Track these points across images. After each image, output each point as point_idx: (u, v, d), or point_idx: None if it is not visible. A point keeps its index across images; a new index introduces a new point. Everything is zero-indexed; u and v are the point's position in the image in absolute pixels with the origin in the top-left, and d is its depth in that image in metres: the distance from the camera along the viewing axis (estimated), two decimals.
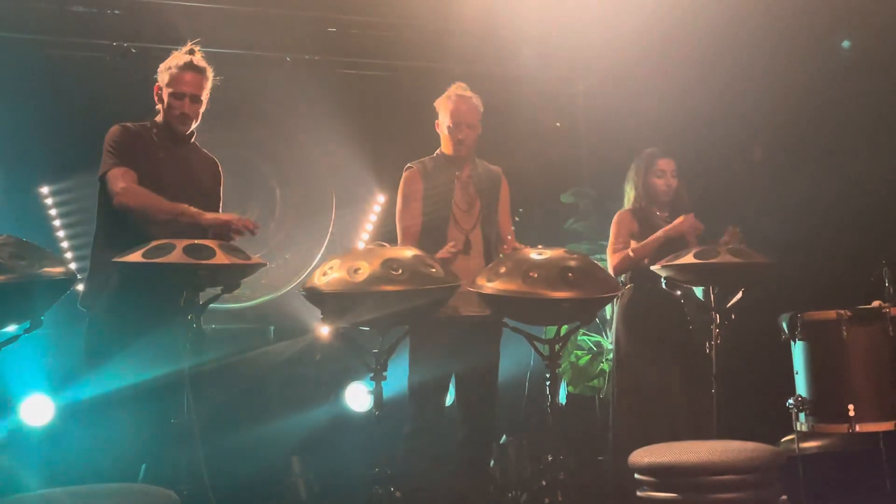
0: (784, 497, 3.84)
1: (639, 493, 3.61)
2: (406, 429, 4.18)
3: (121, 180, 3.74)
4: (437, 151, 4.42)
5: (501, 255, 4.38)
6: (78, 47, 5.70)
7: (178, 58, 3.93)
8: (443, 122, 4.35)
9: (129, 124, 3.90)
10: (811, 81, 5.39)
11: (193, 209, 3.74)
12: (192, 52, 3.96)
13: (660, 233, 4.53)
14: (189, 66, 3.91)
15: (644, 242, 4.56)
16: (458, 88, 4.35)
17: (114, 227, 3.80)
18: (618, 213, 4.77)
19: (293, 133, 6.31)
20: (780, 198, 5.35)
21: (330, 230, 6.26)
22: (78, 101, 5.54)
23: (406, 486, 3.87)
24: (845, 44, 5.40)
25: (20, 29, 5.51)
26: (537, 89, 6.86)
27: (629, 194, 4.77)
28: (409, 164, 4.38)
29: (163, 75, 3.93)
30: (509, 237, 4.28)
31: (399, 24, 6.20)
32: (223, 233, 3.77)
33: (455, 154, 4.33)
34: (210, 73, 3.97)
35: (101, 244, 3.84)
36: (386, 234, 5.60)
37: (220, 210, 4.06)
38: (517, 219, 6.70)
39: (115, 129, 3.86)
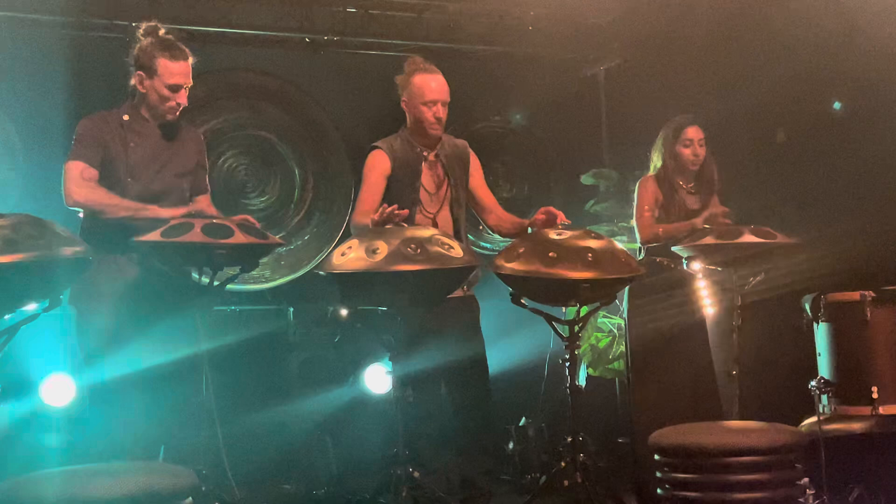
0: (806, 479, 3.81)
1: (658, 474, 3.60)
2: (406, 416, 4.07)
3: (76, 178, 3.66)
4: (402, 130, 4.25)
5: (485, 227, 4.34)
6: (97, 28, 5.70)
7: (162, 44, 3.78)
8: (414, 100, 4.15)
9: (96, 114, 3.82)
10: (834, 62, 5.33)
11: (152, 208, 3.66)
12: (156, 30, 3.81)
13: (692, 223, 4.45)
14: (180, 54, 3.77)
15: (676, 227, 4.48)
16: (423, 63, 4.18)
17: (89, 216, 3.75)
18: (642, 179, 4.69)
19: (312, 114, 6.29)
20: (803, 179, 5.30)
21: (349, 211, 6.25)
22: (98, 81, 5.54)
23: (424, 467, 3.87)
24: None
25: (40, 10, 5.51)
26: (557, 70, 6.81)
27: (655, 162, 4.70)
28: (374, 144, 4.21)
29: (149, 63, 3.76)
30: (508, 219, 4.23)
31: (418, 4, 6.17)
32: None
33: (430, 133, 4.17)
34: (190, 54, 3.84)
35: (85, 230, 3.74)
36: None
37: (207, 180, 4.00)
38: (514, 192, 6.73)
39: (81, 122, 3.78)
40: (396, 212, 3.76)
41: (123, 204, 3.66)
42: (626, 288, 4.67)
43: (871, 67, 5.24)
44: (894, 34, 5.03)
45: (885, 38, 5.13)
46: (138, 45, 3.81)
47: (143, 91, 3.80)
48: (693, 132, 4.61)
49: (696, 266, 4.25)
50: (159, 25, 3.84)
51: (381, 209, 3.80)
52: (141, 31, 3.83)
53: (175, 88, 3.79)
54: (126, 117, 3.81)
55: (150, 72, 3.77)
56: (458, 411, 4.19)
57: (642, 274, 3.89)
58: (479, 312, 4.27)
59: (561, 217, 3.96)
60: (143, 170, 3.76)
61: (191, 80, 3.83)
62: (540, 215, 4.01)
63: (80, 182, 3.66)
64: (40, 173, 5.50)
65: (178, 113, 3.86)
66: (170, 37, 3.82)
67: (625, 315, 4.71)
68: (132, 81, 3.84)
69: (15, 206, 5.42)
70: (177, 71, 3.77)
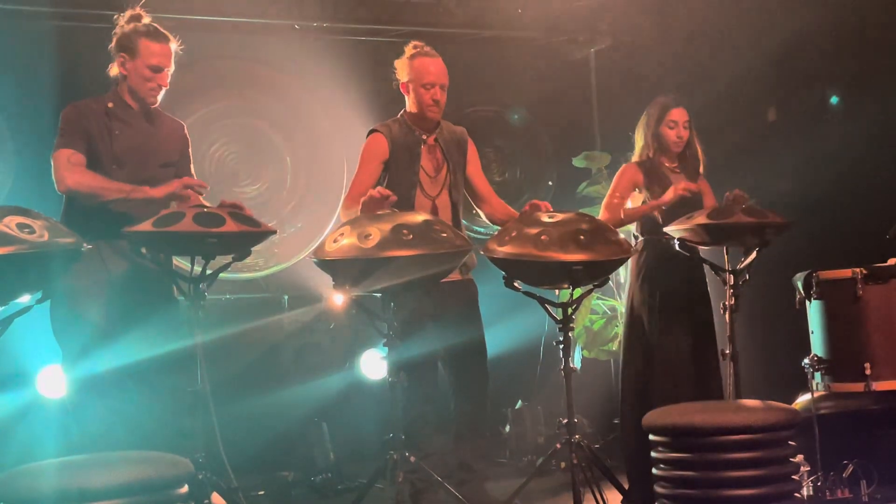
0: (800, 456, 3.84)
1: (653, 454, 3.61)
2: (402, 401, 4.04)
3: (65, 164, 3.65)
4: (401, 114, 4.27)
5: (478, 213, 4.36)
6: (87, 18, 5.68)
7: (143, 27, 3.79)
8: (413, 83, 4.17)
9: (80, 102, 3.80)
10: (824, 39, 5.34)
11: (144, 189, 3.66)
12: (139, 17, 3.82)
13: (648, 206, 4.45)
14: (161, 36, 3.79)
15: (634, 209, 4.49)
16: (424, 47, 4.20)
17: (74, 207, 3.72)
18: (623, 166, 4.68)
19: (302, 101, 6.29)
20: (794, 156, 5.31)
21: (342, 197, 6.25)
22: (88, 72, 5.51)
23: (421, 451, 3.88)
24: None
25: (29, 2, 5.49)
26: (547, 53, 6.80)
27: (638, 143, 4.69)
28: (373, 128, 4.23)
29: (130, 45, 3.77)
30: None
31: None
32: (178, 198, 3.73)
33: (429, 116, 4.19)
34: (173, 39, 3.84)
35: (69, 223, 3.63)
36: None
37: (194, 173, 3.98)
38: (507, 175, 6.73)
39: (65, 109, 3.76)
40: (386, 193, 3.78)
41: (114, 186, 3.65)
42: (625, 269, 4.68)
43: (865, 45, 5.25)
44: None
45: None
46: (120, 31, 3.81)
47: (125, 73, 3.80)
48: (678, 114, 4.58)
49: (688, 247, 4.24)
50: (143, 13, 3.83)
51: (371, 191, 3.82)
52: (125, 18, 3.82)
53: (156, 69, 3.78)
54: (110, 104, 3.80)
55: (132, 53, 3.77)
56: (457, 394, 4.20)
57: (633, 254, 3.91)
58: (477, 296, 4.28)
59: (546, 206, 3.98)
60: (128, 158, 3.75)
61: (171, 64, 3.82)
62: (526, 209, 4.02)
63: (69, 167, 3.65)
64: (31, 165, 5.49)
65: (158, 96, 3.84)
66: (154, 24, 3.82)
67: (625, 295, 4.70)
68: (113, 68, 3.83)
69: (6, 197, 5.41)
70: (157, 51, 3.77)
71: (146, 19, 3.82)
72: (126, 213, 3.62)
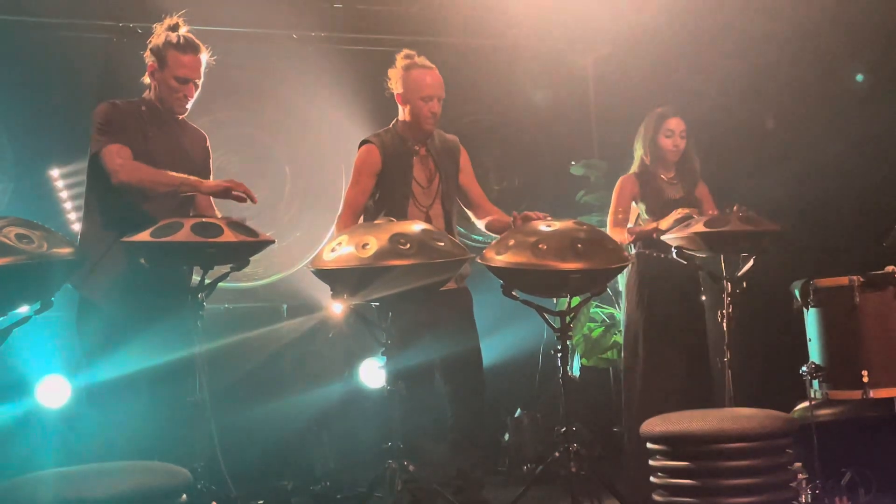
0: (798, 464, 3.84)
1: (651, 462, 3.62)
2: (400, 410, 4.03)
3: (117, 157, 3.67)
4: (393, 124, 4.28)
5: (478, 222, 4.38)
6: (84, 28, 5.70)
7: (175, 37, 3.82)
8: (410, 95, 4.18)
9: (117, 101, 3.84)
10: (820, 48, 5.35)
11: (193, 178, 3.71)
12: (176, 27, 3.85)
13: (648, 228, 4.50)
14: (191, 48, 3.82)
15: (642, 230, 4.55)
16: (418, 58, 4.20)
17: (110, 207, 3.74)
18: (620, 179, 4.74)
19: (301, 110, 6.30)
20: (791, 165, 5.32)
21: (340, 207, 6.26)
22: (86, 82, 5.55)
23: (420, 460, 3.88)
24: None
25: (27, 12, 5.50)
26: (546, 61, 6.82)
27: (637, 152, 4.75)
28: (365, 139, 4.24)
29: (161, 55, 3.82)
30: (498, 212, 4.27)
31: None
32: (224, 198, 3.76)
33: (426, 129, 4.20)
34: (204, 50, 3.88)
35: (95, 228, 3.75)
36: None
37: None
38: (505, 184, 6.74)
39: (103, 107, 3.78)
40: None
41: (165, 179, 3.67)
42: (623, 278, 4.70)
43: (862, 55, 5.26)
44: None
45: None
46: (155, 39, 3.84)
47: (154, 82, 3.84)
48: (674, 123, 4.65)
49: (686, 255, 4.26)
50: (181, 23, 3.86)
51: None
52: (162, 26, 3.86)
53: (183, 80, 3.82)
54: (143, 108, 3.83)
55: (162, 63, 3.82)
56: (453, 403, 4.21)
57: (630, 262, 3.91)
58: (472, 304, 4.28)
59: (538, 216, 3.98)
60: (162, 161, 3.76)
61: (200, 75, 3.86)
62: (518, 221, 3.98)
63: (120, 162, 3.67)
64: (29, 176, 5.50)
65: (186, 107, 3.88)
66: (189, 34, 3.86)
67: (622, 306, 4.72)
68: (146, 76, 3.87)
69: (4, 208, 5.42)
70: (186, 63, 3.81)
71: (182, 29, 3.85)
72: (151, 213, 3.64)
